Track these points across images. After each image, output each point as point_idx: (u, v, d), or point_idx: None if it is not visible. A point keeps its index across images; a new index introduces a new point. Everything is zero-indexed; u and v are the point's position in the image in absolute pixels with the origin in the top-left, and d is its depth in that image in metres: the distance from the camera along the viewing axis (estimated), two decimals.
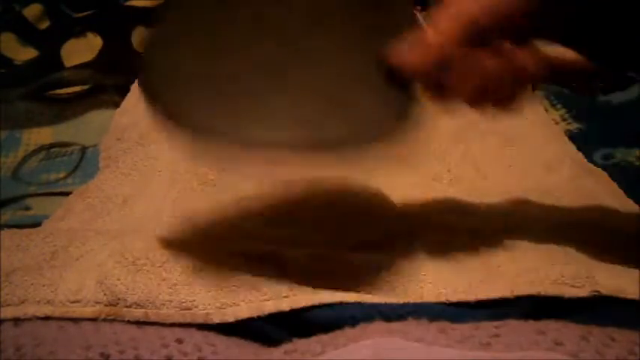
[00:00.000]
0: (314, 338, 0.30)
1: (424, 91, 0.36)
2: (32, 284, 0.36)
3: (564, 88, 0.54)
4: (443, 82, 0.35)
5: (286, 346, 0.30)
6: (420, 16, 0.37)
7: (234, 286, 0.36)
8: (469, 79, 0.35)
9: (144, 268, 0.37)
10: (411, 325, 0.29)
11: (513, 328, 0.29)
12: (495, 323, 0.30)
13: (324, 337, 0.29)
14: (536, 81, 0.37)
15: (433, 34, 0.34)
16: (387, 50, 0.35)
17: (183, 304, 0.35)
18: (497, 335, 0.27)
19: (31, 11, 0.79)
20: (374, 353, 0.26)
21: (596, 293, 0.36)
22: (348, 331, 0.29)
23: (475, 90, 0.36)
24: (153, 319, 0.34)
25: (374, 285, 0.39)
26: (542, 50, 0.36)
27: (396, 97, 0.35)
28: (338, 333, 0.29)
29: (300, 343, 0.29)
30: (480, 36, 0.34)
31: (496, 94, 0.36)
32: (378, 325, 0.29)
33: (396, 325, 0.29)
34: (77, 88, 0.69)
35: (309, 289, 0.36)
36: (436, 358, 0.26)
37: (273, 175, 0.49)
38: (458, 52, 0.34)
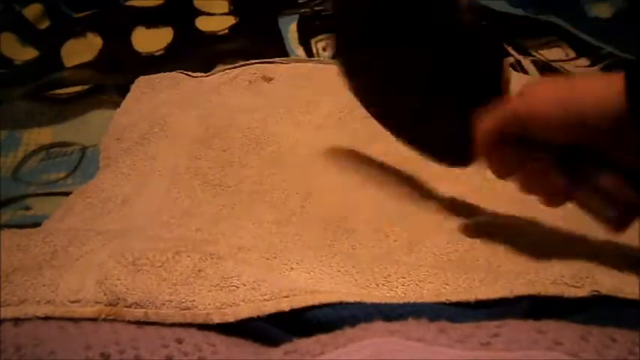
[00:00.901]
0: (314, 338, 0.30)
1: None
2: (32, 284, 0.36)
3: None
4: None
5: (286, 347, 0.30)
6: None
7: (234, 286, 0.36)
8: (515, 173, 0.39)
9: (144, 268, 0.37)
10: (410, 325, 0.29)
11: (513, 327, 0.29)
12: (495, 323, 0.30)
13: (324, 337, 0.29)
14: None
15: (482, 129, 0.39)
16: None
17: (183, 304, 0.35)
18: (497, 335, 0.27)
19: (31, 11, 0.79)
20: (374, 353, 0.26)
21: (595, 293, 0.36)
22: (348, 331, 0.29)
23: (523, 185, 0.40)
24: (153, 319, 0.34)
25: (374, 285, 0.39)
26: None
27: None
28: (338, 333, 0.29)
29: (300, 343, 0.29)
30: (518, 137, 0.37)
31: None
32: (378, 325, 0.29)
33: (395, 325, 0.29)
34: (77, 88, 0.69)
35: (309, 289, 0.36)
36: (436, 358, 0.26)
37: None
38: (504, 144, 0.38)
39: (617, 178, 0.36)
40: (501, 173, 0.41)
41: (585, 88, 0.34)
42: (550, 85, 0.37)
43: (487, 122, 0.39)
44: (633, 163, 0.35)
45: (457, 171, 0.54)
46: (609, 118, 0.33)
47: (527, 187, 0.40)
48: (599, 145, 0.35)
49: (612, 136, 0.34)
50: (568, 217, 0.47)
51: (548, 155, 0.37)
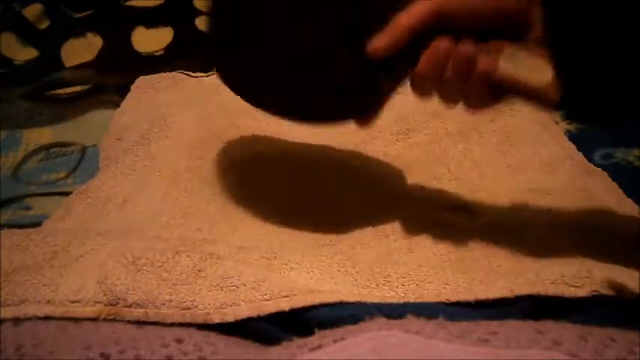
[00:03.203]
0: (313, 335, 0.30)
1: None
2: (32, 284, 0.36)
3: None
4: (409, 68, 0.39)
5: (285, 343, 0.30)
6: None
7: (234, 286, 0.36)
8: (430, 68, 0.38)
9: (144, 268, 0.37)
10: (410, 321, 0.29)
11: (512, 327, 0.29)
12: (495, 322, 0.30)
13: (323, 332, 0.29)
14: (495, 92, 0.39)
15: (404, 18, 0.38)
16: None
17: (183, 304, 0.35)
18: (496, 333, 0.27)
19: (31, 11, 0.79)
20: (372, 346, 0.26)
21: (595, 293, 0.36)
22: (348, 327, 0.29)
23: (434, 78, 0.39)
24: (153, 318, 0.34)
25: (374, 285, 0.39)
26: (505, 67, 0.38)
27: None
28: (337, 329, 0.29)
29: (298, 339, 0.29)
30: (445, 25, 0.37)
31: (454, 89, 0.39)
32: (378, 321, 0.29)
33: (395, 322, 0.29)
34: (77, 88, 0.69)
35: (309, 289, 0.36)
36: (435, 352, 0.26)
37: None
38: (424, 37, 0.38)
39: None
40: (427, 78, 0.39)
41: None
42: None
43: (408, 15, 0.38)
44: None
45: (456, 171, 0.54)
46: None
47: (453, 88, 0.39)
48: (514, 24, 0.37)
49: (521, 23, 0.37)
50: (568, 218, 0.47)
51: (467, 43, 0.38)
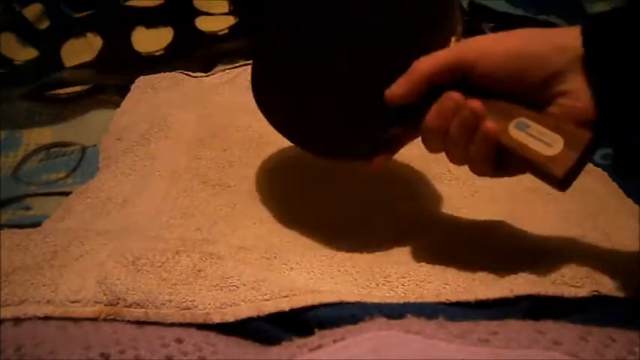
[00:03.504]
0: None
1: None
2: (32, 284, 0.36)
3: None
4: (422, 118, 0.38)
5: (286, 343, 0.30)
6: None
7: (234, 286, 0.36)
8: (437, 120, 0.37)
9: (144, 268, 0.37)
10: (410, 321, 0.29)
11: (513, 327, 0.29)
12: (495, 322, 0.30)
13: (323, 332, 0.29)
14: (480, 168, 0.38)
15: (423, 65, 0.37)
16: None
17: (183, 304, 0.35)
18: (496, 333, 0.27)
19: (31, 11, 0.78)
20: (372, 346, 0.26)
21: (595, 293, 0.36)
22: (348, 327, 0.29)
23: (440, 132, 0.38)
24: (153, 318, 0.34)
25: (374, 285, 0.39)
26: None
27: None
28: (336, 329, 0.29)
29: (299, 339, 0.29)
30: (462, 79, 0.37)
31: (458, 147, 0.37)
32: (378, 321, 0.29)
33: (395, 322, 0.29)
34: (77, 88, 0.69)
35: (309, 289, 0.36)
36: (435, 352, 0.26)
37: None
38: (439, 89, 0.37)
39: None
40: (435, 131, 0.38)
41: (541, 36, 0.36)
42: (501, 35, 0.37)
43: (427, 61, 0.37)
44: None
45: (456, 171, 0.54)
46: (562, 63, 0.34)
47: (459, 146, 0.38)
48: (535, 94, 0.36)
49: (554, 84, 0.35)
50: (568, 218, 0.47)
51: (480, 102, 0.36)
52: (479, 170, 0.38)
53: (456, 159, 0.38)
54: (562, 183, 0.35)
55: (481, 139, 0.36)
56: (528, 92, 0.36)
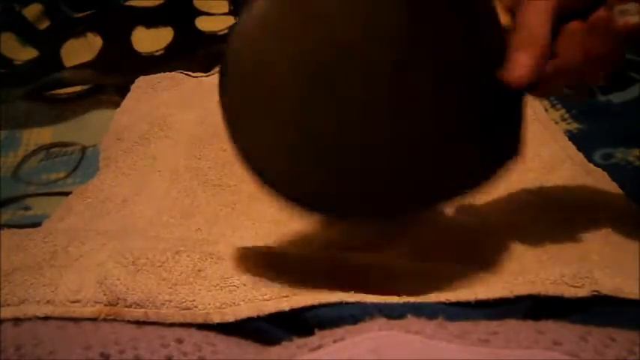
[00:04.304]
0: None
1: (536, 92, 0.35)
2: (32, 284, 0.36)
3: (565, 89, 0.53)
4: (549, 73, 0.34)
5: (285, 343, 0.30)
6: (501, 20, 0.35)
7: (234, 286, 0.36)
8: (567, 64, 0.33)
9: (144, 268, 0.37)
10: (410, 321, 0.29)
11: (512, 327, 0.29)
12: (495, 322, 0.30)
13: (323, 332, 0.29)
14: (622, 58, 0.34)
15: (530, 35, 0.33)
16: (499, 74, 0.33)
17: (183, 304, 0.35)
18: (496, 333, 0.27)
19: (31, 11, 0.79)
20: (372, 346, 0.26)
21: (595, 293, 0.36)
22: (348, 327, 0.29)
23: (571, 71, 0.34)
24: (153, 319, 0.34)
25: (374, 285, 0.39)
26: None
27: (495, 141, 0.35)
28: (336, 329, 0.29)
29: (298, 339, 0.29)
30: (570, 12, 0.33)
31: (589, 72, 0.34)
32: (378, 321, 0.29)
33: (395, 322, 0.29)
34: (77, 88, 0.69)
35: (309, 289, 0.36)
36: (435, 352, 0.26)
37: None
38: (557, 36, 0.33)
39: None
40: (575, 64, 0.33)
41: None
42: None
43: (540, 16, 0.33)
44: None
45: None
46: None
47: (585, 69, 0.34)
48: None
49: None
50: (568, 218, 0.47)
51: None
52: (595, 78, 0.35)
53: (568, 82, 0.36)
54: None
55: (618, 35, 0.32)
56: None
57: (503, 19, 0.35)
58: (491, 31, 0.35)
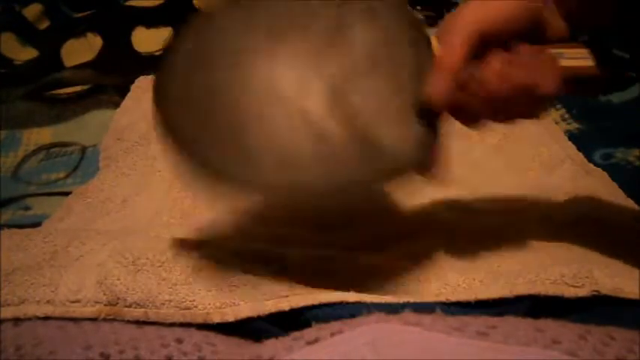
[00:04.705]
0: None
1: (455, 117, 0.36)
2: (32, 284, 0.36)
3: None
4: (466, 103, 0.35)
5: (282, 337, 0.29)
6: (434, 40, 0.36)
7: (234, 285, 0.36)
8: (488, 93, 0.34)
9: (144, 268, 0.37)
10: (408, 315, 0.29)
11: (512, 323, 0.29)
12: (494, 318, 0.30)
13: (320, 325, 0.29)
14: (554, 90, 0.35)
15: (445, 57, 0.34)
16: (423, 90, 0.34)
17: (183, 304, 0.35)
18: (495, 327, 0.27)
19: (31, 11, 0.79)
20: (372, 339, 0.26)
21: (595, 293, 0.36)
22: (345, 320, 0.29)
23: (495, 103, 0.35)
24: (153, 318, 0.34)
25: (374, 285, 0.39)
26: (556, 59, 0.35)
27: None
28: (334, 322, 0.29)
29: (296, 332, 0.29)
30: (489, 43, 0.34)
31: (517, 106, 0.35)
32: (376, 314, 0.29)
33: (393, 315, 0.29)
34: (77, 88, 0.69)
35: (309, 289, 0.36)
36: (433, 344, 0.26)
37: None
38: (472, 66, 0.34)
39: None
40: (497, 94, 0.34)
41: None
42: None
43: (459, 43, 0.33)
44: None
45: (456, 171, 0.54)
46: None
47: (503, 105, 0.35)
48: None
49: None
50: (568, 218, 0.47)
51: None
52: (516, 115, 0.36)
53: (497, 116, 0.36)
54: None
55: (546, 67, 0.34)
56: (531, 26, 0.36)
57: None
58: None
